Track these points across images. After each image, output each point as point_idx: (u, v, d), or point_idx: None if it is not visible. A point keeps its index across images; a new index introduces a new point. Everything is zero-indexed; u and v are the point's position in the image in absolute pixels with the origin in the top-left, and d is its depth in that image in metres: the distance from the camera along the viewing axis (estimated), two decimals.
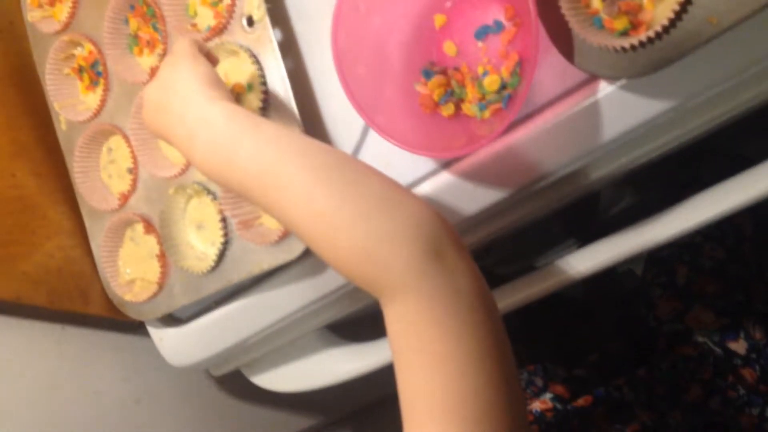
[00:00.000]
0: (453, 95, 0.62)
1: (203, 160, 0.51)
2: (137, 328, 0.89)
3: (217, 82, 0.55)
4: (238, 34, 0.69)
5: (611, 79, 0.55)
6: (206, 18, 0.72)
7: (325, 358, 0.87)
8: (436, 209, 0.45)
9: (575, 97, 0.57)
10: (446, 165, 0.64)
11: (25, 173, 0.84)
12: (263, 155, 0.47)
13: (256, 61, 0.68)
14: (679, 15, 0.47)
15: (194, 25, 0.72)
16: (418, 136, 0.60)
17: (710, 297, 0.72)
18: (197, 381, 0.97)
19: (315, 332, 0.85)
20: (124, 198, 0.80)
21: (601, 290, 1.08)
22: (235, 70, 0.70)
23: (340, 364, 0.86)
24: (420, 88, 0.62)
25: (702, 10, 0.47)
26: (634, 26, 0.50)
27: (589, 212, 1.14)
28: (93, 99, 0.82)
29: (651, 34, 0.48)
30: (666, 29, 0.48)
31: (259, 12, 0.66)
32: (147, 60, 0.77)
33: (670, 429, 0.67)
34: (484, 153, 0.61)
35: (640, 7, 0.50)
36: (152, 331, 0.86)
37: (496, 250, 1.12)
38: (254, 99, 0.68)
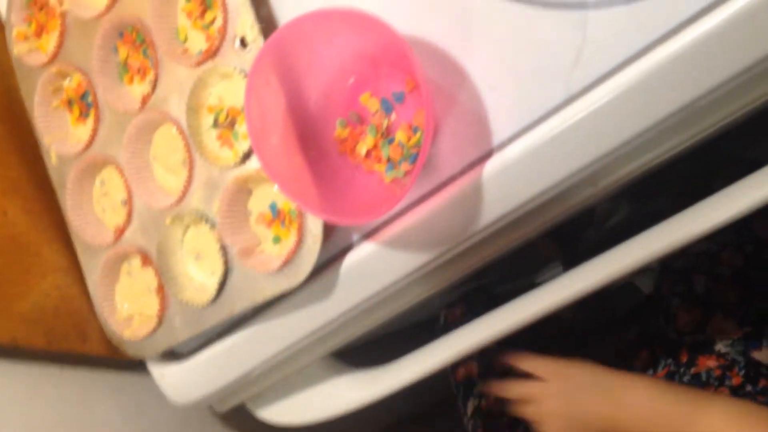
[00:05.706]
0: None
1: None
2: (136, 365, 0.86)
3: None
4: (231, 56, 0.67)
5: None
6: (198, 42, 0.70)
7: (332, 386, 0.84)
8: None
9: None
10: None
11: (17, 211, 0.82)
12: None
13: None
14: None
15: (186, 50, 0.71)
16: (331, 202, 0.61)
17: (731, 305, 0.70)
18: (200, 418, 0.94)
19: (321, 360, 0.83)
20: (119, 231, 0.78)
21: (603, 308, 1.06)
22: (230, 93, 0.68)
23: (348, 392, 0.83)
24: (339, 132, 0.64)
25: None
26: None
27: (582, 227, 1.12)
28: (83, 131, 0.80)
29: None
30: None
31: (252, 32, 0.65)
32: (138, 88, 0.75)
33: None
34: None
35: None
36: (152, 367, 0.83)
37: (491, 270, 1.10)
38: None
